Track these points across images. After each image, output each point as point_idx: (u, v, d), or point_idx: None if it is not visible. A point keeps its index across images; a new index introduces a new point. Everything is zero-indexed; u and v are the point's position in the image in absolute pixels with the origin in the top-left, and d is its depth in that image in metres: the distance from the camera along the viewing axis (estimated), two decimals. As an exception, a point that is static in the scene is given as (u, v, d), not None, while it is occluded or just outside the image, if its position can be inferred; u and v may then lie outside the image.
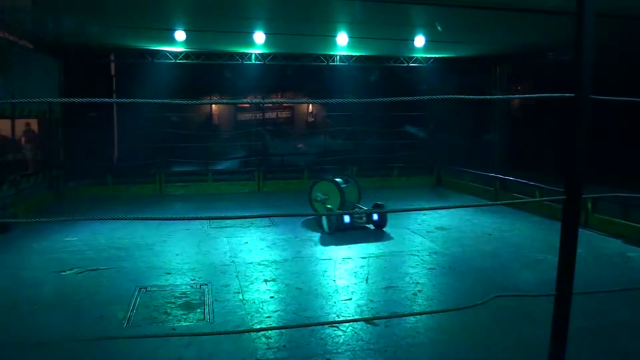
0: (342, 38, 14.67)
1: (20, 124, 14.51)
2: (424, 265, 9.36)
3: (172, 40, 15.20)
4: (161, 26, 13.59)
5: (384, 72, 19.02)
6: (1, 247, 10.73)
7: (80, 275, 8.85)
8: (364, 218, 11.98)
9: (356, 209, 12.26)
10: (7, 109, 13.14)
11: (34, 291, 8.08)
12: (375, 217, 11.92)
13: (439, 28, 12.62)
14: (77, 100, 3.24)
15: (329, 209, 12.41)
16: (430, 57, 18.94)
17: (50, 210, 14.70)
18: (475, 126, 19.30)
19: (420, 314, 7.03)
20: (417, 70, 19.20)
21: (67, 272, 9.04)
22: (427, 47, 16.26)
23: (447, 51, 17.76)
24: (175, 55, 17.65)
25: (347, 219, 11.69)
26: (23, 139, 15.19)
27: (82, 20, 12.40)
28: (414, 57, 18.91)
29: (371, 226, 12.11)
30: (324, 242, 10.93)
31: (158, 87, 16.89)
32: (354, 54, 18.31)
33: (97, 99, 3.36)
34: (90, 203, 15.16)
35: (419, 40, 14.99)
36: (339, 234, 11.44)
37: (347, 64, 18.76)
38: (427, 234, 11.70)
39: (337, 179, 13.09)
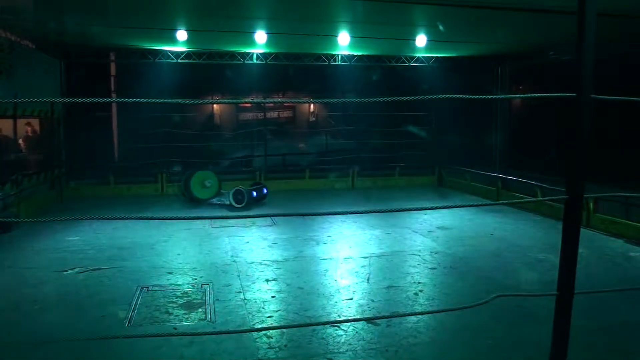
0: (343, 37, 14.67)
1: (22, 124, 14.51)
2: (426, 264, 9.36)
3: (173, 40, 15.23)
4: (163, 26, 13.61)
5: (385, 72, 18.99)
6: (3, 247, 10.75)
7: (82, 275, 8.86)
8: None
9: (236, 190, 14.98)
10: (9, 109, 13.16)
11: (36, 290, 8.09)
12: (254, 194, 15.16)
13: (441, 28, 12.63)
14: (77, 100, 3.25)
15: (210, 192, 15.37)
16: (432, 57, 18.95)
17: (52, 210, 14.71)
18: (477, 126, 19.31)
19: (421, 313, 7.03)
20: (419, 70, 19.19)
21: (69, 271, 9.05)
22: (429, 47, 16.27)
23: (448, 51, 17.77)
24: (177, 55, 17.67)
25: (254, 194, 15.19)
26: (25, 139, 15.19)
27: (83, 20, 12.41)
28: (416, 56, 18.91)
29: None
30: (324, 242, 10.93)
31: (159, 86, 16.92)
32: (355, 53, 18.30)
33: (97, 99, 3.36)
34: (92, 203, 15.17)
35: (421, 40, 14.99)
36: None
37: (348, 63, 18.76)
38: (429, 234, 11.70)
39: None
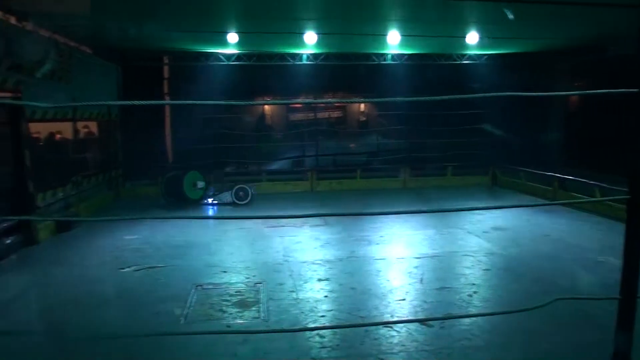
0: (393, 36, 14.57)
1: (80, 127, 14.94)
2: (480, 266, 9.21)
3: (224, 43, 15.43)
4: (214, 29, 13.81)
5: (435, 70, 18.75)
6: (65, 245, 11.14)
7: (139, 273, 9.08)
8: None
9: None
10: (69, 112, 13.57)
11: (95, 287, 8.35)
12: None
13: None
14: (133, 102, 3.31)
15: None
16: (484, 54, 18.64)
17: (109, 209, 15.10)
18: (532, 124, 18.88)
19: (476, 315, 6.91)
20: (470, 68, 18.90)
21: (127, 269, 9.29)
22: (481, 44, 16.00)
23: (501, 48, 17.44)
24: (228, 57, 17.92)
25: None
26: (84, 141, 15.63)
27: (138, 25, 12.72)
28: (467, 54, 18.64)
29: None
30: (376, 242, 10.89)
31: (211, 88, 17.17)
32: (405, 52, 18.16)
33: (151, 102, 3.43)
34: (147, 203, 15.47)
35: (472, 37, 14.75)
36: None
37: (398, 62, 18.65)
38: (483, 234, 11.51)
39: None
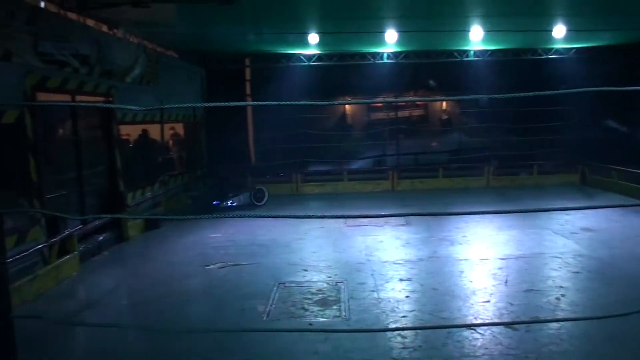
0: (476, 32, 14.28)
1: (167, 128, 15.49)
2: (568, 268, 8.87)
3: (305, 44, 15.59)
4: (295, 30, 13.98)
5: (520, 66, 18.18)
6: (153, 242, 11.60)
7: (224, 270, 9.32)
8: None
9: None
10: (156, 115, 14.08)
11: (182, 283, 8.67)
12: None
13: None
14: (217, 104, 3.40)
15: None
16: (572, 48, 17.91)
17: (195, 207, 15.52)
18: (624, 120, 17.98)
19: (564, 320, 6.64)
20: (557, 62, 18.16)
21: (212, 266, 9.56)
22: (568, 37, 15.39)
23: (589, 40, 16.71)
24: (309, 57, 18.08)
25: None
26: (170, 142, 16.20)
27: (221, 29, 13.05)
28: (553, 48, 17.96)
29: None
30: (459, 242, 10.71)
31: (292, 89, 17.36)
32: (488, 48, 17.73)
33: (234, 103, 3.50)
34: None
35: (559, 30, 14.22)
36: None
37: (481, 58, 18.22)
38: (571, 235, 11.08)
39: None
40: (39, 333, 6.23)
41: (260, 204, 15.64)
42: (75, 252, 9.39)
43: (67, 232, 9.20)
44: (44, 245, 8.58)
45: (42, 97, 9.23)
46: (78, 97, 10.46)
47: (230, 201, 15.64)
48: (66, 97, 10.14)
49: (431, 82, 18.73)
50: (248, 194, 15.69)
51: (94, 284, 8.96)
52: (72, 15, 10.19)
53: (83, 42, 10.14)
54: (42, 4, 9.30)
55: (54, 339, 6.40)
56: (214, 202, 15.15)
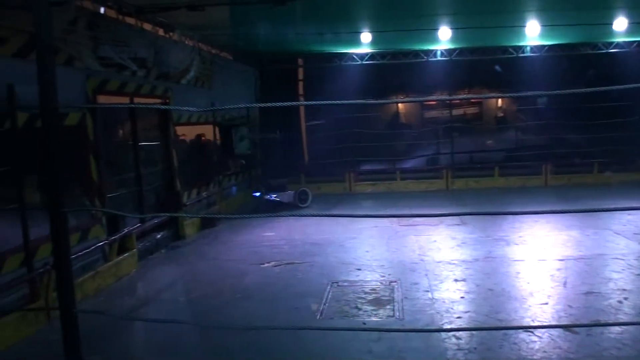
0: (532, 27, 13.97)
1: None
2: (631, 270, 8.56)
3: (358, 43, 15.58)
4: (348, 30, 13.99)
5: (579, 61, 17.67)
6: (208, 241, 11.83)
7: (277, 268, 9.41)
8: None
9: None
10: (211, 116, 14.32)
11: (237, 281, 8.81)
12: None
13: None
14: (270, 104, 3.44)
15: None
16: (634, 41, 17.27)
17: (249, 207, 15.71)
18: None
19: (627, 324, 6.41)
20: (618, 56, 17.56)
21: (266, 264, 9.67)
22: (630, 30, 14.85)
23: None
24: (361, 56, 18.06)
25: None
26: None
27: (274, 30, 13.19)
28: (614, 42, 17.37)
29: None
30: (515, 242, 10.50)
31: (345, 88, 17.39)
32: (545, 43, 17.29)
33: (287, 103, 3.53)
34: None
35: (620, 23, 13.75)
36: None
37: (538, 54, 17.78)
38: (634, 237, 10.68)
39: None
40: (100, 328, 6.44)
41: (304, 205, 15.58)
42: (134, 250, 9.65)
43: (126, 230, 9.46)
44: (105, 243, 8.85)
45: (102, 99, 9.54)
46: (136, 99, 10.76)
47: (274, 196, 15.79)
48: (125, 99, 10.44)
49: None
50: (292, 193, 15.73)
51: (152, 280, 9.20)
52: (130, 20, 10.48)
53: (140, 45, 10.41)
54: (102, 10, 9.58)
55: (115, 334, 6.60)
56: (254, 193, 15.30)
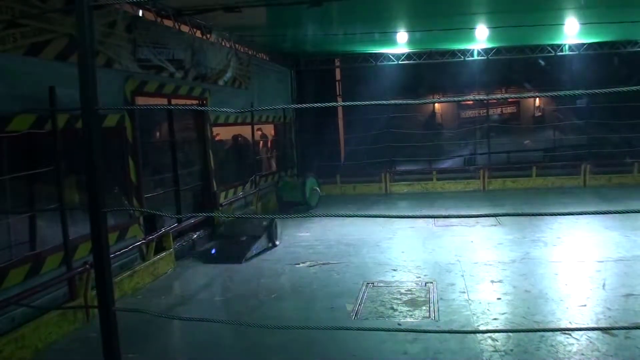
0: (571, 25, 13.73)
1: (258, 129, 15.85)
2: (672, 272, 8.38)
3: (394, 43, 15.53)
4: (384, 30, 13.97)
5: (619, 59, 17.31)
6: (245, 241, 11.87)
7: (313, 269, 9.45)
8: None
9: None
10: (248, 116, 14.44)
11: (272, 281, 8.88)
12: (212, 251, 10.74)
13: None
14: (307, 105, 3.47)
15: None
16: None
17: (284, 208, 15.78)
18: None
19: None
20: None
21: (301, 265, 9.71)
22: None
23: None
24: (398, 57, 18.02)
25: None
26: (261, 143, 16.56)
27: (310, 31, 13.25)
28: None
29: None
30: (553, 243, 10.34)
31: (381, 88, 17.39)
32: (584, 41, 16.98)
33: (319, 104, 3.55)
34: (321, 201, 15.92)
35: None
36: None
37: (576, 52, 17.46)
38: (678, 238, 10.43)
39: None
40: (138, 326, 6.56)
41: (312, 204, 15.37)
42: (171, 250, 9.78)
43: (163, 230, 9.59)
44: (142, 243, 8.99)
45: (140, 101, 9.70)
46: (173, 101, 10.92)
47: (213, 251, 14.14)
48: (162, 101, 10.61)
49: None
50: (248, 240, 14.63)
51: (189, 280, 9.32)
52: (168, 22, 10.65)
53: (178, 47, 10.57)
54: (141, 13, 9.75)
55: (153, 332, 6.72)
56: (212, 251, 11.06)
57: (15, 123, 6.55)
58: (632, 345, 5.73)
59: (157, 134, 11.29)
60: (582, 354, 5.56)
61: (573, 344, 5.79)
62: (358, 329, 6.20)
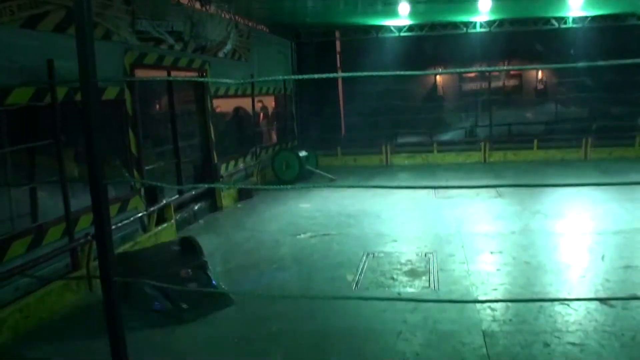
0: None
1: (258, 102, 15.79)
2: (672, 244, 8.42)
3: (395, 14, 15.38)
4: (386, 1, 13.83)
5: (623, 32, 17.14)
6: (245, 212, 11.98)
7: (313, 239, 9.49)
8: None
9: None
10: (248, 88, 14.38)
11: (273, 252, 8.93)
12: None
13: None
14: (307, 76, 3.45)
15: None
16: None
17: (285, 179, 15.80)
18: None
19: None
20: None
21: (302, 235, 9.76)
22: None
23: None
24: (399, 28, 17.87)
25: None
26: (261, 115, 16.52)
27: (311, 2, 13.12)
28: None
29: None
30: (553, 215, 10.37)
31: (382, 60, 17.23)
32: (588, 13, 16.81)
33: (324, 75, 3.53)
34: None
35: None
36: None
37: (580, 25, 17.28)
38: (678, 210, 10.45)
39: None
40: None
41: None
42: (172, 221, 9.80)
43: (164, 201, 9.62)
44: (144, 214, 9.03)
45: (140, 73, 9.65)
46: (173, 73, 10.86)
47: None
48: (162, 73, 10.55)
49: (538, 47, 17.88)
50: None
51: (190, 251, 9.37)
52: (167, -7, 10.55)
53: (177, 19, 10.49)
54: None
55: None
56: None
57: (14, 96, 6.54)
58: (629, 316, 5.79)
59: (157, 106, 11.27)
60: (580, 324, 5.62)
61: (571, 314, 5.85)
62: (358, 299, 6.25)
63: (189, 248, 7.30)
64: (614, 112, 18.15)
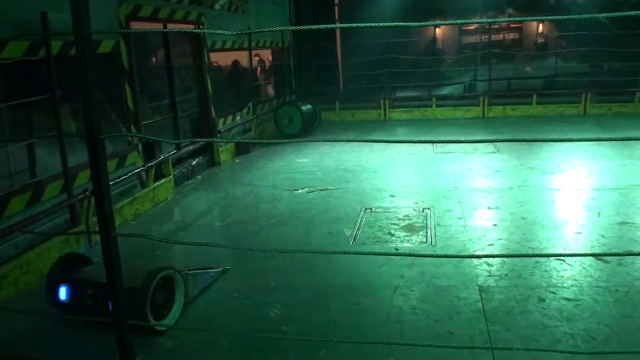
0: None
1: (256, 55, 15.60)
2: (669, 200, 8.45)
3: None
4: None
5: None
6: (243, 167, 12.01)
7: (311, 194, 9.52)
8: None
9: None
10: (245, 41, 14.19)
11: (271, 206, 8.97)
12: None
13: None
14: (305, 27, 3.39)
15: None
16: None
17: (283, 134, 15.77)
18: None
19: (660, 253, 6.41)
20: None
21: (300, 190, 9.78)
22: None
23: None
24: (399, -21, 17.52)
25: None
26: (259, 69, 16.34)
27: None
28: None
29: None
30: (551, 171, 10.38)
31: (382, 12, 16.93)
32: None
33: (319, 26, 3.47)
34: (320, 128, 15.89)
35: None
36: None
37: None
38: (676, 166, 10.45)
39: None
40: (139, 251, 6.67)
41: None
42: (170, 176, 9.82)
43: (162, 157, 9.60)
44: (141, 170, 9.02)
45: (136, 26, 9.48)
46: (169, 26, 10.68)
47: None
48: (158, 26, 10.37)
49: None
50: None
51: (188, 206, 9.42)
52: (162, -57, 10.30)
53: (173, -31, 10.27)
54: None
55: (155, 256, 6.83)
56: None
57: (9, 50, 6.43)
58: (624, 272, 5.86)
59: (154, 60, 11.13)
60: (575, 279, 5.69)
61: (566, 270, 5.91)
62: (356, 254, 6.30)
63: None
64: (615, 68, 17.97)
